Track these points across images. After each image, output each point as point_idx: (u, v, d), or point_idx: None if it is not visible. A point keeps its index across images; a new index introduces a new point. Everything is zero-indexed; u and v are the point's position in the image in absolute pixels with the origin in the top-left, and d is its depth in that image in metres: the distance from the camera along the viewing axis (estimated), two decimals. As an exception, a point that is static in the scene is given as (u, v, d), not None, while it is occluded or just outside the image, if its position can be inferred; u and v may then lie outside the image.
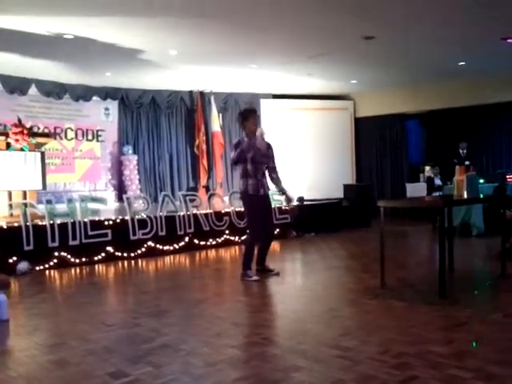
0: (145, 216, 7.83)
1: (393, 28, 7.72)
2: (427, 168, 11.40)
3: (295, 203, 5.85)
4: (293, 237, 9.30)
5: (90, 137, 12.00)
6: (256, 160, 5.76)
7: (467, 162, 9.96)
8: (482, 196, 6.25)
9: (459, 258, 6.14)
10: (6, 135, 7.60)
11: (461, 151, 11.05)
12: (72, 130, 11.72)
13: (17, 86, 10.50)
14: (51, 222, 6.95)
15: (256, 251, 5.97)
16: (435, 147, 12.78)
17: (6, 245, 6.36)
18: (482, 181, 8.58)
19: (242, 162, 5.77)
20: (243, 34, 8.01)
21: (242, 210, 6.45)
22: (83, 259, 7.08)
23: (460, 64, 10.12)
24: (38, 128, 10.67)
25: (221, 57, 9.35)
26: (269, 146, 5.95)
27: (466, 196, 5.41)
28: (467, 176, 5.46)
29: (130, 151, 12.10)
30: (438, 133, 12.80)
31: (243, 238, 6.85)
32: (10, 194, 7.66)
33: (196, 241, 8.23)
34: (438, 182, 10.54)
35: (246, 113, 5.95)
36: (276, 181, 6.03)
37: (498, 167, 11.57)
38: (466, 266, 6.27)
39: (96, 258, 7.20)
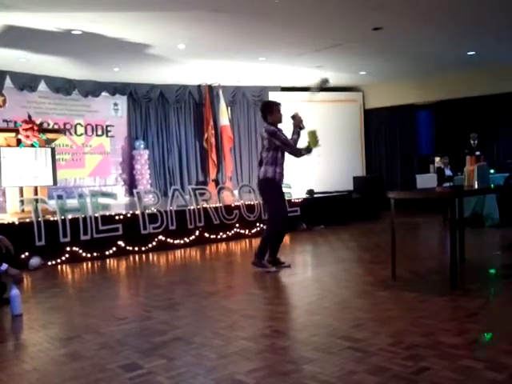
0: (155, 210, 7.86)
1: (401, 18, 7.67)
2: (437, 159, 11.35)
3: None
4: (302, 229, 9.30)
5: (99, 132, 12.05)
6: (283, 149, 5.80)
7: (478, 152, 9.90)
8: (492, 186, 6.21)
9: (470, 249, 6.11)
10: (17, 132, 7.63)
11: (471, 141, 10.98)
12: (81, 125, 11.77)
13: (26, 82, 10.56)
14: (62, 217, 7.00)
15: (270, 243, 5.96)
16: (446, 138, 12.71)
17: (18, 240, 6.38)
18: (492, 171, 8.53)
19: (273, 149, 5.73)
20: (251, 27, 7.99)
21: (262, 198, 6.33)
22: (95, 254, 7.13)
23: (470, 54, 10.04)
24: (48, 124, 10.74)
25: (229, 50, 9.34)
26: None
27: (476, 186, 5.38)
28: (478, 166, 5.43)
29: (142, 146, 12.14)
30: (449, 123, 12.72)
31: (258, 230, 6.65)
32: (21, 190, 7.70)
33: (206, 234, 8.26)
34: (448, 172, 10.48)
35: (270, 105, 5.95)
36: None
37: (509, 157, 11.49)
38: (478, 256, 6.24)
39: (107, 253, 7.25)
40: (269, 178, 5.75)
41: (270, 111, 5.86)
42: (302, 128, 5.84)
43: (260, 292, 5.09)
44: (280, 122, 5.89)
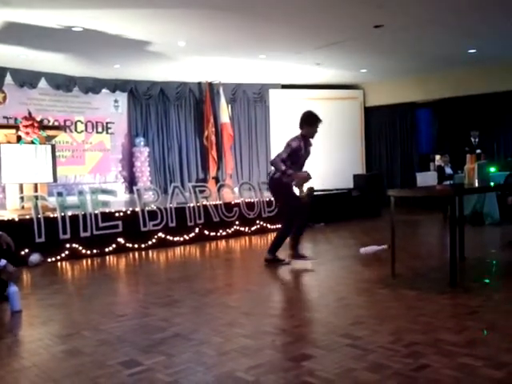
0: (155, 207, 7.85)
1: (402, 16, 7.65)
2: (437, 157, 11.32)
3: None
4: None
5: (99, 129, 12.04)
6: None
7: (478, 151, 9.89)
8: (492, 184, 6.21)
9: (470, 247, 6.11)
10: (17, 128, 7.63)
11: (472, 139, 10.96)
12: (82, 122, 11.77)
13: (27, 79, 10.55)
14: (62, 214, 7.00)
15: (293, 236, 6.07)
16: (446, 136, 12.69)
17: (18, 237, 6.36)
18: (493, 169, 8.53)
19: (288, 155, 5.85)
20: (252, 25, 7.97)
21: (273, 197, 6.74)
22: (94, 251, 7.12)
23: (471, 52, 10.03)
24: (48, 121, 10.73)
25: (229, 47, 9.33)
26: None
27: (476, 184, 5.38)
28: (478, 164, 5.43)
29: (143, 143, 12.13)
30: (449, 121, 12.70)
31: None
32: (21, 186, 7.70)
33: (206, 232, 8.25)
34: (448, 170, 10.46)
35: (314, 119, 6.01)
36: None
37: (510, 155, 11.47)
38: (477, 254, 6.24)
39: (107, 250, 7.24)
40: (275, 179, 5.91)
41: (311, 124, 5.96)
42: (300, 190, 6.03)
43: (259, 289, 5.09)
44: (312, 137, 6.02)
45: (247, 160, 13.39)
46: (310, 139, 6.02)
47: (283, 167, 5.73)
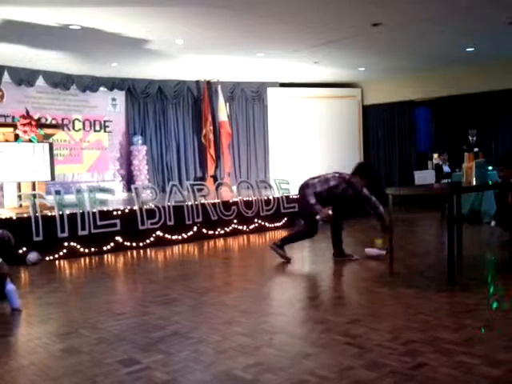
0: (153, 206, 7.85)
1: (400, 14, 7.65)
2: (435, 155, 11.33)
3: None
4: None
5: (97, 127, 12.03)
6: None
7: (476, 149, 9.89)
8: (490, 182, 6.22)
9: (468, 246, 6.12)
10: (15, 127, 7.62)
11: (470, 138, 10.97)
12: (79, 120, 11.75)
13: (24, 77, 10.53)
14: (60, 212, 6.99)
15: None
16: (444, 134, 12.69)
17: (16, 236, 6.34)
18: (490, 167, 8.54)
19: (328, 189, 5.99)
20: (250, 23, 7.96)
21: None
22: (92, 249, 7.11)
23: (469, 50, 10.03)
24: (46, 119, 10.70)
25: (227, 46, 9.32)
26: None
27: (474, 183, 5.39)
28: (476, 163, 5.43)
29: (140, 141, 12.11)
30: (447, 120, 12.70)
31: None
32: (19, 185, 7.69)
33: (204, 230, 8.25)
34: (446, 169, 10.47)
35: (369, 172, 6.24)
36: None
37: (507, 154, 11.48)
38: (475, 253, 6.25)
39: (105, 248, 7.24)
40: (306, 203, 5.94)
41: (364, 177, 6.08)
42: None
43: (257, 287, 5.09)
44: (360, 188, 6.09)
45: (245, 158, 13.38)
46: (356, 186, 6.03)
47: (312, 201, 5.84)
